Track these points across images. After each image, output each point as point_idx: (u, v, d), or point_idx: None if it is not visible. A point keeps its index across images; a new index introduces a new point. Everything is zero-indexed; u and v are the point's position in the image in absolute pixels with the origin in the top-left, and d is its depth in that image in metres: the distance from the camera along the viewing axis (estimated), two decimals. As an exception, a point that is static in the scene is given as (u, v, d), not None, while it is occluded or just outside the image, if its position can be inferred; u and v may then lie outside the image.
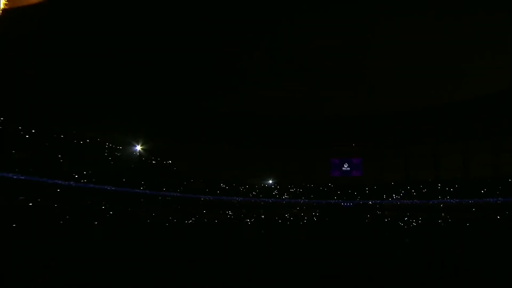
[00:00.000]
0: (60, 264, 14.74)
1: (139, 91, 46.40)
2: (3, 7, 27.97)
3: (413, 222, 46.51)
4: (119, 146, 46.85)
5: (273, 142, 54.90)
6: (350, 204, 50.99)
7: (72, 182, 38.24)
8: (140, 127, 46.64)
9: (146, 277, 12.92)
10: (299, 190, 53.52)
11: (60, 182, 36.90)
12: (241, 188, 52.25)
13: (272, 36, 39.96)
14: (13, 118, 36.95)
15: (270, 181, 53.46)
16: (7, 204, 31.19)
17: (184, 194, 48.04)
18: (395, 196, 49.68)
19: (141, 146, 46.75)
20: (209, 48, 41.36)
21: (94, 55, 40.15)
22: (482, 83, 40.18)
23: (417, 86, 43.57)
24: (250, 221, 49.07)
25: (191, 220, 46.35)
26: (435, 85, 42.86)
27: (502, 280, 12.76)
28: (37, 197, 33.99)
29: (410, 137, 50.94)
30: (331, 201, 51.78)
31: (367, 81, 43.66)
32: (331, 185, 54.33)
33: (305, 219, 50.38)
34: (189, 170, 53.67)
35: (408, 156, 51.85)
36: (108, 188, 41.40)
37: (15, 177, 32.38)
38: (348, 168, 54.20)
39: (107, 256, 18.40)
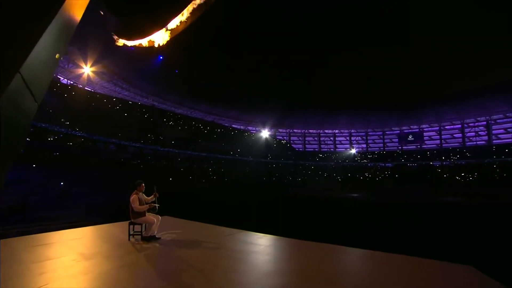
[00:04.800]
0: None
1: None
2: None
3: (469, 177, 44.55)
4: (252, 133, 57.40)
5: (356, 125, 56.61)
6: (415, 164, 50.82)
7: (230, 156, 50.04)
8: (265, 120, 53.66)
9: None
10: (375, 156, 55.49)
11: (229, 157, 48.89)
12: (333, 156, 56.99)
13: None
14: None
15: (354, 151, 56.20)
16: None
17: (296, 162, 55.20)
18: (452, 158, 48.11)
19: (267, 132, 56.28)
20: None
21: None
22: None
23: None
24: (340, 178, 52.30)
25: (299, 178, 52.74)
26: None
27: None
28: (213, 165, 46.02)
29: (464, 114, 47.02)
30: (399, 163, 52.29)
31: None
32: (399, 151, 55.09)
33: (380, 177, 51.31)
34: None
35: (463, 127, 50.30)
36: (250, 158, 50.95)
37: (202, 154, 45.35)
38: (412, 139, 53.93)
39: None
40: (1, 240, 5.96)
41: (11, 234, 12.12)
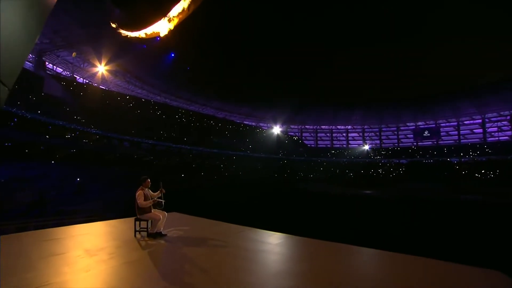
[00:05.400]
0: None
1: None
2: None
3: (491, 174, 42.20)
4: (264, 130, 57.01)
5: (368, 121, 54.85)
6: (431, 161, 48.82)
7: (242, 152, 49.77)
8: (276, 118, 53.53)
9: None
10: (389, 152, 53.66)
11: (241, 153, 48.71)
12: (345, 152, 55.85)
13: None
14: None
15: (367, 147, 54.75)
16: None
17: (308, 158, 54.27)
18: (472, 154, 45.88)
19: (279, 129, 55.75)
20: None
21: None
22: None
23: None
24: (352, 175, 50.80)
25: (312, 175, 51.78)
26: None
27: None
28: (225, 161, 46.09)
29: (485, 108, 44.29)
30: (414, 159, 50.29)
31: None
32: (414, 147, 53.22)
33: (394, 174, 49.59)
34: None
35: (484, 122, 47.78)
36: (261, 155, 50.30)
37: (214, 150, 45.34)
38: (429, 134, 51.88)
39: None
40: (13, 234, 6.02)
41: (29, 228, 12.45)
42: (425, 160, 49.49)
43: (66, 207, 16.62)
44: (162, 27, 3.78)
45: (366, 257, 4.51)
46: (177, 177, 29.31)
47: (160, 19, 3.66)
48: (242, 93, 42.19)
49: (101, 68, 32.72)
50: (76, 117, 28.20)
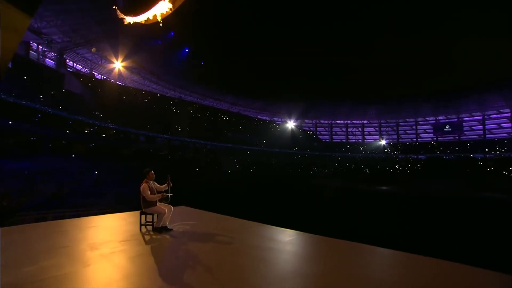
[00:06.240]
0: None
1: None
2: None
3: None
4: (278, 124, 56.44)
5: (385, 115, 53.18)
6: (452, 157, 46.14)
7: (254, 147, 49.22)
8: (291, 113, 53.15)
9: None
10: (407, 147, 51.49)
11: (255, 148, 48.22)
12: (361, 147, 54.24)
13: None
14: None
15: (384, 142, 52.90)
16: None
17: (322, 153, 53.29)
18: (498, 150, 43.01)
19: (293, 123, 55.03)
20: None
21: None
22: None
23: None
24: (367, 170, 49.01)
25: (325, 171, 50.21)
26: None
27: None
28: (239, 156, 45.81)
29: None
30: (433, 155, 47.91)
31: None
32: (434, 142, 50.91)
33: (411, 169, 46.95)
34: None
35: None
36: (275, 149, 49.17)
37: (228, 145, 45.19)
38: (450, 129, 49.21)
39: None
40: (26, 225, 6.08)
41: (48, 218, 12.83)
42: (446, 156, 47.03)
43: (83, 199, 17.05)
44: (163, 8, 3.54)
45: (380, 258, 4.13)
46: (191, 171, 29.53)
47: (159, 1, 3.42)
48: (256, 87, 41.76)
49: (118, 65, 33.30)
50: (95, 113, 28.90)
